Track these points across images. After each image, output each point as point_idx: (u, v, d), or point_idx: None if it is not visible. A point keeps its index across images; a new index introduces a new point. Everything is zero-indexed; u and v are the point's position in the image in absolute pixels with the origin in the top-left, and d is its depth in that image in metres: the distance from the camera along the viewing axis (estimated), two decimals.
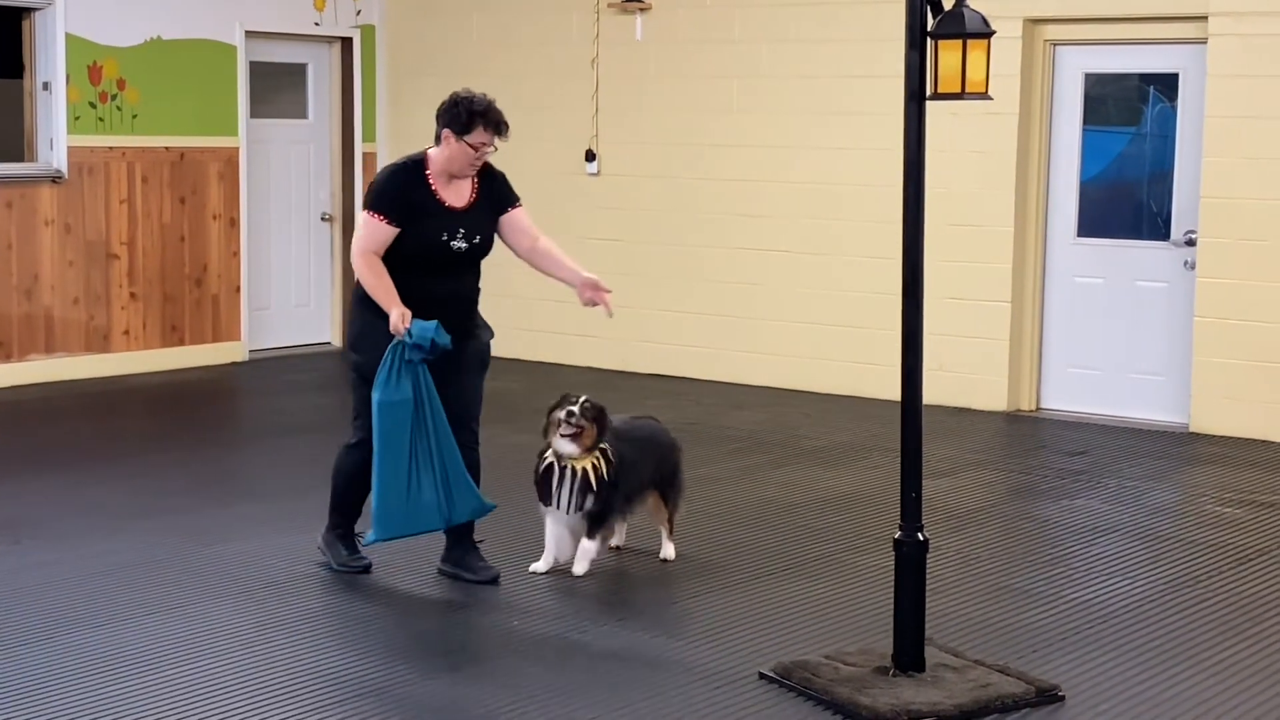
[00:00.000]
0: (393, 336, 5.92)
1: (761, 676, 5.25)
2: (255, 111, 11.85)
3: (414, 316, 5.92)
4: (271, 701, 5.02)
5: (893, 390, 5.32)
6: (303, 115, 12.28)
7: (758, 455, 8.79)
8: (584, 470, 6.21)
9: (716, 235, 11.04)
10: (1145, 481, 8.26)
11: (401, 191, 6.03)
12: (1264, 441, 9.11)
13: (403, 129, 12.21)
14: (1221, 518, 7.49)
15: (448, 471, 6.00)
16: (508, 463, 7.29)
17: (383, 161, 12.37)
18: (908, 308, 5.18)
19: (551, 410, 6.28)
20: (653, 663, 5.41)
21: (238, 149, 11.62)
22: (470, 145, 6.01)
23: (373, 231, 6.03)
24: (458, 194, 6.11)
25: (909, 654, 5.16)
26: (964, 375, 10.06)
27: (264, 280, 12.01)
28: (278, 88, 12.13)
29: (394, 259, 6.04)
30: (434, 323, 5.91)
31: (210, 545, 6.84)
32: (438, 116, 6.08)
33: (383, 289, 5.98)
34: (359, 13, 12.26)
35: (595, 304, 6.30)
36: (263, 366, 11.65)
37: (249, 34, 11.65)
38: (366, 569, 6.36)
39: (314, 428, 9.63)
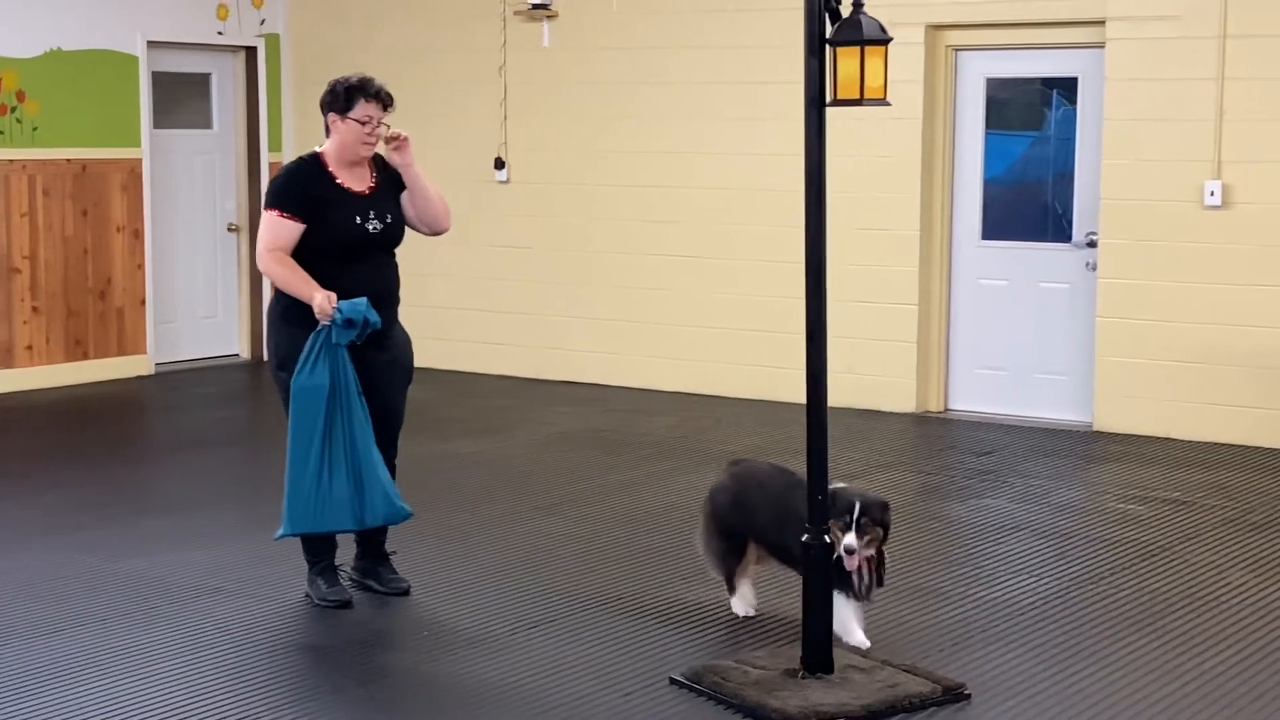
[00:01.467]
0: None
1: (672, 681, 5.28)
2: (158, 122, 11.74)
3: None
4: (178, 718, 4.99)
5: (801, 393, 5.36)
6: (207, 125, 12.18)
7: (667, 461, 8.82)
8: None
9: (625, 241, 11.07)
10: (1050, 480, 8.37)
11: (301, 185, 5.98)
12: (1165, 439, 9.27)
13: (309, 138, 12.09)
14: (1125, 515, 7.61)
15: (362, 469, 5.83)
16: (421, 473, 7.27)
17: None
18: (811, 312, 5.23)
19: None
20: (564, 670, 5.42)
21: (141, 160, 11.51)
22: (357, 121, 5.96)
23: (276, 229, 5.94)
24: (359, 179, 6.05)
25: (817, 656, 5.20)
26: (872, 377, 10.15)
27: (169, 292, 11.90)
28: (181, 98, 12.02)
29: (307, 254, 5.95)
30: (363, 299, 5.80)
31: (119, 561, 6.77)
32: (320, 107, 6.08)
33: (298, 279, 5.87)
34: (263, 22, 12.19)
35: (393, 142, 6.06)
36: (170, 380, 11.54)
37: (151, 44, 11.54)
38: (345, 604, 6.08)
39: (223, 441, 9.56)
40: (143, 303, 11.60)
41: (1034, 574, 6.61)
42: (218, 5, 11.90)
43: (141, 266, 11.57)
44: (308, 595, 6.17)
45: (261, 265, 6.03)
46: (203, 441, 9.50)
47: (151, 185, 11.60)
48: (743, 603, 5.92)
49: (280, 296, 6.06)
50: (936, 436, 9.64)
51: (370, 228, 6.01)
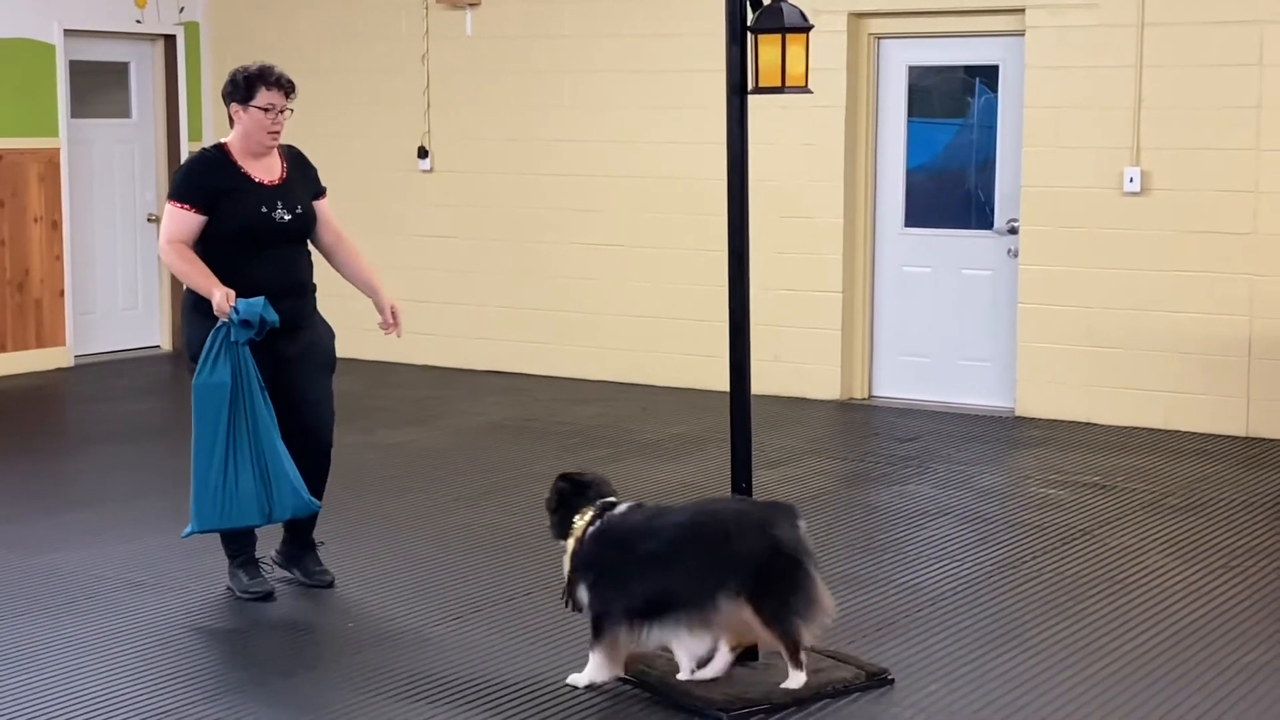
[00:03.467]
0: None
1: None
2: (76, 111, 11.60)
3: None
4: (96, 714, 4.94)
5: (728, 381, 5.38)
6: (126, 114, 12.04)
7: (595, 450, 8.81)
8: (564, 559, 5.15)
9: (551, 231, 11.05)
10: (973, 466, 8.43)
11: (204, 177, 5.91)
12: (1086, 424, 9.36)
13: (229, 127, 12.01)
14: (1046, 499, 7.68)
15: (268, 464, 5.77)
16: (347, 464, 7.23)
17: None
18: (734, 300, 5.25)
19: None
20: (490, 661, 5.41)
21: (59, 150, 11.37)
22: (259, 108, 5.91)
23: (177, 221, 5.87)
24: (267, 170, 5.99)
25: None
26: (798, 365, 10.19)
27: (89, 284, 11.76)
28: (99, 87, 11.88)
29: (214, 245, 5.88)
30: (260, 298, 5.74)
31: (38, 555, 6.69)
32: (222, 98, 6.03)
33: (197, 272, 5.80)
34: (182, 10, 12.06)
35: (389, 332, 6.25)
36: (89, 372, 11.41)
37: (68, 32, 11.39)
38: (267, 596, 6.03)
39: (143, 433, 9.47)
40: (61, 294, 11.46)
41: (957, 559, 6.66)
42: None
43: (60, 257, 11.43)
44: (229, 588, 6.12)
45: (163, 257, 5.97)
46: (122, 434, 9.40)
47: (70, 175, 11.46)
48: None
49: (191, 288, 5.98)
50: (861, 423, 9.68)
51: (278, 217, 5.95)
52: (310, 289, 6.15)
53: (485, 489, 7.91)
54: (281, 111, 5.95)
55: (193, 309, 5.95)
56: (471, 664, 5.38)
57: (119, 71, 11.99)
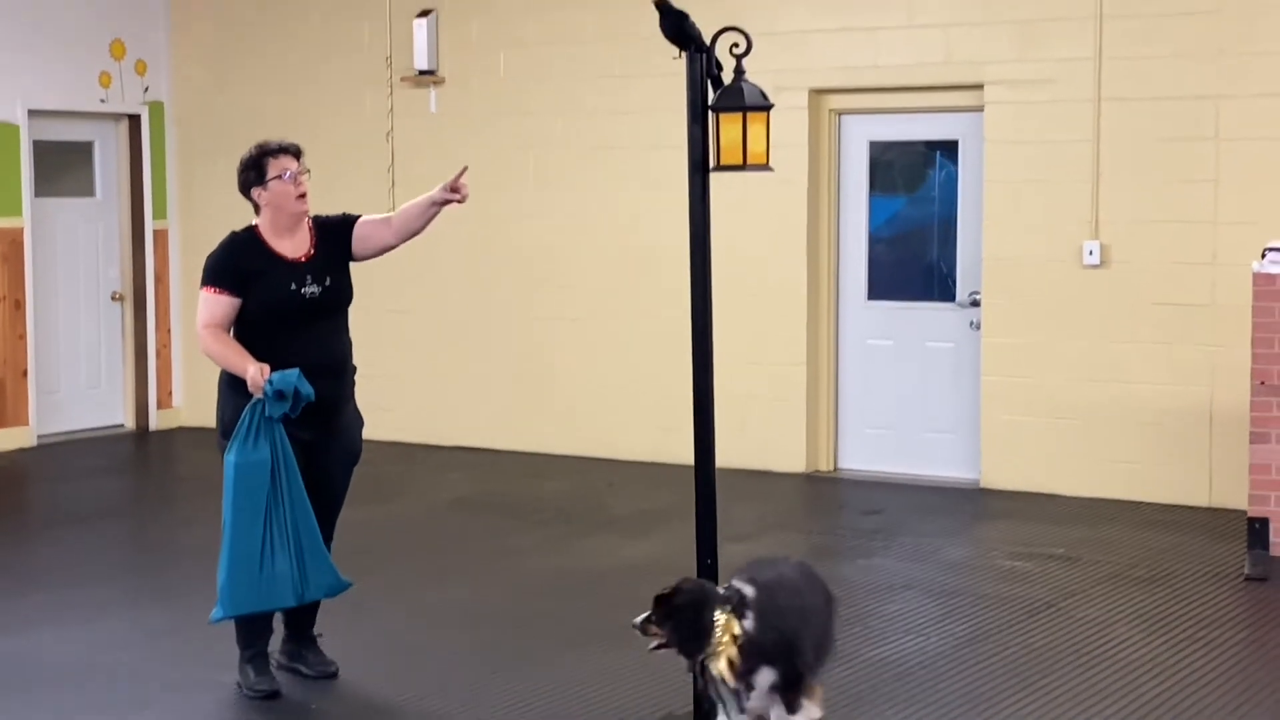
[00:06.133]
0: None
1: None
2: (40, 190, 11.58)
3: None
4: None
5: (692, 454, 5.39)
6: (90, 193, 12.04)
7: (561, 525, 8.80)
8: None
9: (516, 305, 11.07)
10: (939, 538, 8.44)
11: (233, 259, 5.85)
12: (1050, 495, 9.39)
13: (195, 205, 12.04)
14: (1012, 572, 7.69)
15: (303, 543, 5.66)
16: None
17: (175, 239, 12.21)
18: (698, 379, 5.27)
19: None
20: None
21: (22, 229, 11.34)
22: (277, 178, 5.87)
23: (210, 305, 5.82)
24: (296, 246, 5.92)
25: None
26: (763, 438, 10.20)
27: (52, 363, 11.71)
28: (64, 165, 11.88)
29: (248, 327, 5.83)
30: (295, 370, 5.64)
31: (1, 637, 6.64)
32: (240, 190, 5.96)
33: (233, 352, 5.74)
34: (146, 89, 12.09)
35: (460, 192, 6.07)
36: (52, 452, 11.34)
37: (32, 112, 11.40)
38: (273, 695, 5.84)
39: (107, 513, 9.41)
40: (24, 374, 11.41)
41: (923, 633, 6.65)
42: (100, 72, 11.79)
43: (23, 337, 11.38)
44: (237, 684, 5.92)
45: (200, 345, 5.88)
46: (85, 515, 9.33)
47: (33, 254, 11.43)
48: None
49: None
50: (826, 496, 9.69)
51: (307, 293, 5.85)
52: (348, 369, 6.04)
53: (452, 566, 7.88)
54: (299, 173, 5.90)
55: (228, 385, 5.85)
56: None
57: (83, 150, 12.00)
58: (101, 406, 12.10)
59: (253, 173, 5.91)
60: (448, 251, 11.27)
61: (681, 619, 4.93)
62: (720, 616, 4.93)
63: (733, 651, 4.90)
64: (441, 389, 11.35)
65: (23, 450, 11.33)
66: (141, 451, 11.59)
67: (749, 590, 5.01)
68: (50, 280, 11.68)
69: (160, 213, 12.15)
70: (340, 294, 6.01)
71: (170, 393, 12.25)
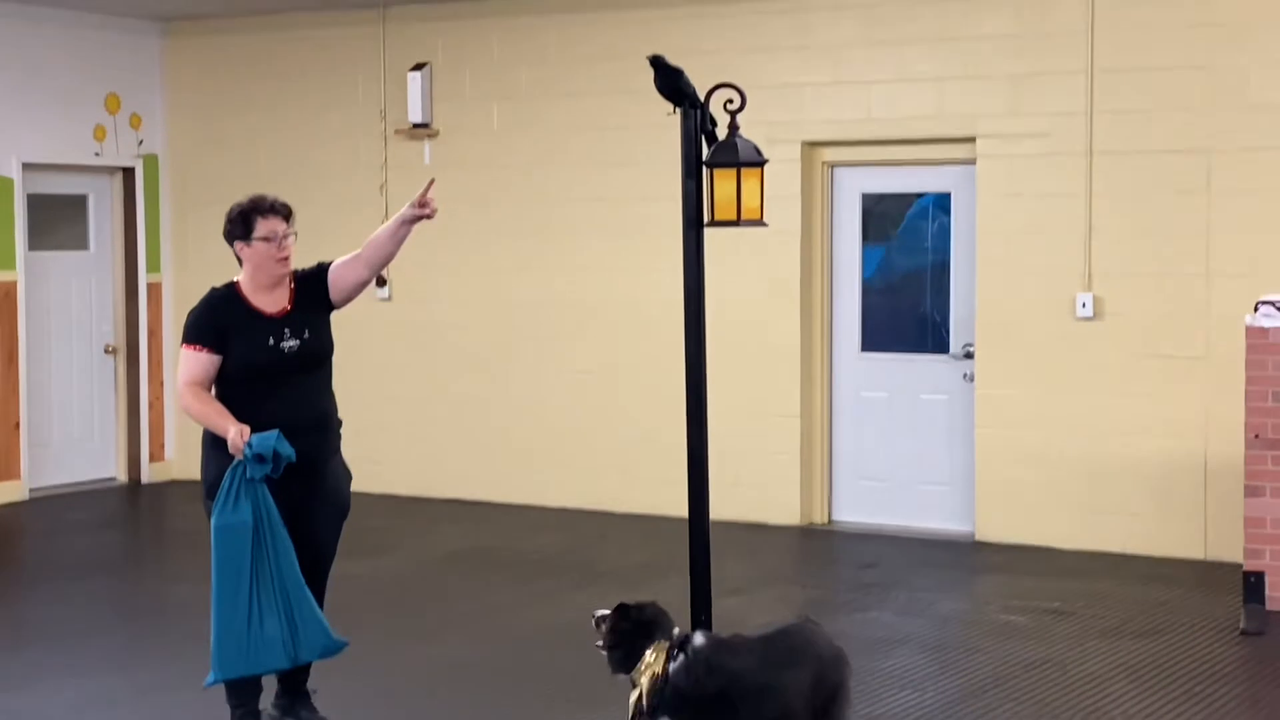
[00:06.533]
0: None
1: None
2: (34, 244, 11.59)
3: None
4: None
5: (687, 508, 5.38)
6: (84, 246, 12.04)
7: (556, 579, 8.76)
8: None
9: (511, 357, 11.07)
10: (934, 592, 8.41)
11: (213, 316, 5.81)
12: (1045, 548, 9.36)
13: (188, 258, 12.05)
14: (1007, 626, 7.66)
15: (292, 603, 5.59)
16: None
17: (168, 292, 12.21)
18: (692, 433, 5.27)
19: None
20: None
21: (15, 282, 11.34)
22: (261, 239, 5.81)
23: (190, 363, 5.76)
24: (274, 301, 5.86)
25: None
26: (757, 490, 10.18)
27: (45, 415, 11.68)
28: (58, 219, 11.88)
29: (228, 385, 5.77)
30: (274, 432, 5.58)
31: None
32: (225, 239, 5.93)
33: (213, 411, 5.68)
34: (141, 142, 12.11)
35: (429, 207, 6.06)
36: (45, 505, 11.29)
37: (26, 166, 11.42)
38: None
39: (100, 567, 9.36)
40: (17, 427, 11.38)
41: (920, 688, 6.62)
42: (95, 126, 11.81)
43: (16, 390, 11.36)
44: None
45: (180, 402, 5.83)
46: (77, 569, 9.28)
47: (26, 307, 11.42)
48: None
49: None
50: (821, 549, 9.67)
51: (285, 347, 5.80)
52: (332, 424, 5.97)
53: (446, 620, 7.85)
54: (285, 237, 5.86)
55: (210, 445, 5.79)
56: None
57: (77, 204, 12.01)
58: (94, 459, 12.06)
59: (240, 226, 5.87)
60: (442, 305, 11.28)
61: (624, 634, 5.02)
62: (653, 651, 4.95)
63: (646, 686, 4.93)
64: (432, 442, 11.32)
65: (14, 504, 11.29)
66: (134, 505, 11.55)
67: (698, 640, 5.02)
68: (43, 333, 11.67)
69: (154, 266, 12.16)
70: (320, 347, 5.95)
71: (162, 446, 12.22)
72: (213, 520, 5.58)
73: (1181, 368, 9.08)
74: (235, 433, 5.58)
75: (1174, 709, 6.29)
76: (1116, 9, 9.19)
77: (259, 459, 5.53)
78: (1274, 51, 8.86)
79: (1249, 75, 8.92)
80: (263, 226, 5.83)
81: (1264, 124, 8.88)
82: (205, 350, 5.77)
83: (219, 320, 5.81)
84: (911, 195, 10.25)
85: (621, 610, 5.09)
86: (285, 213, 5.91)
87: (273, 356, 5.79)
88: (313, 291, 5.98)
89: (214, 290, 5.95)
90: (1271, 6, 8.87)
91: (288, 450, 5.58)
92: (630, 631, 5.03)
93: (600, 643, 5.09)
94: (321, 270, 6.06)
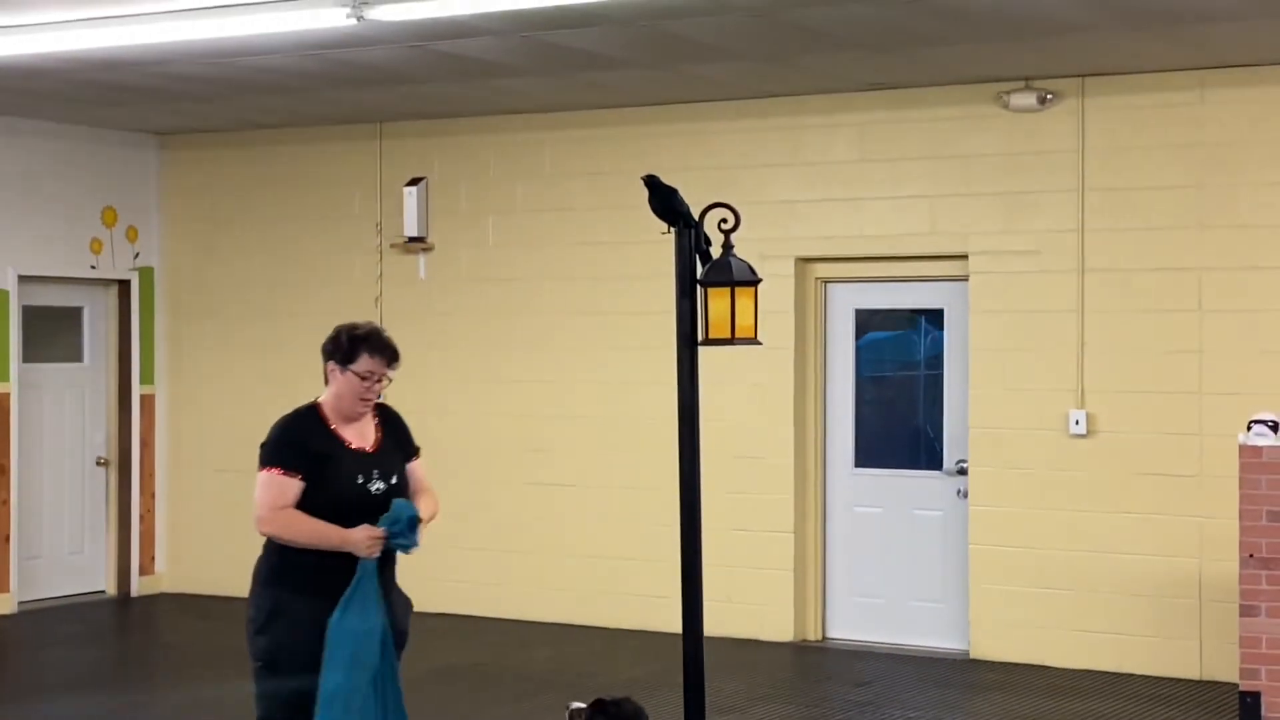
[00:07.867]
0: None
1: None
2: (28, 355, 11.59)
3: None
4: None
5: (680, 624, 5.34)
6: (78, 358, 12.04)
7: (546, 696, 8.68)
8: None
9: (501, 470, 11.04)
10: (929, 710, 8.34)
11: (300, 439, 5.42)
12: (1040, 666, 9.30)
13: (182, 370, 12.04)
14: None
15: (388, 705, 5.49)
16: None
17: (161, 403, 12.19)
18: (686, 546, 5.24)
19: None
20: None
21: (8, 394, 11.33)
22: (358, 375, 5.48)
23: (278, 488, 5.35)
24: (361, 435, 5.54)
25: None
26: (750, 606, 10.12)
27: (35, 528, 11.61)
28: (52, 331, 11.89)
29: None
30: (402, 500, 5.45)
31: None
32: (321, 353, 5.59)
33: (323, 526, 5.33)
34: (137, 255, 12.16)
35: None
36: (34, 618, 11.20)
37: (22, 278, 11.45)
38: None
39: (88, 682, 9.27)
40: (6, 539, 11.31)
41: None
42: (91, 239, 11.86)
43: (6, 502, 11.31)
44: None
45: (268, 529, 5.41)
46: (65, 684, 9.18)
47: (19, 419, 11.41)
48: None
49: (271, 555, 5.48)
50: (815, 666, 9.59)
51: (373, 489, 5.49)
52: (393, 557, 5.73)
53: None
54: (379, 380, 5.54)
55: (271, 580, 5.46)
56: None
57: (72, 316, 12.03)
58: (83, 572, 11.98)
59: (344, 350, 5.53)
60: (433, 416, 11.27)
61: None
62: None
63: None
64: (423, 555, 11.21)
65: (3, 616, 11.20)
66: (123, 618, 11.46)
67: None
68: (35, 445, 11.64)
69: (147, 378, 12.15)
70: (402, 491, 5.61)
71: (153, 558, 12.15)
72: (339, 625, 5.35)
73: (1175, 486, 9.07)
74: (364, 534, 5.38)
75: None
76: (1107, 129, 9.29)
77: (403, 535, 5.47)
78: (1264, 172, 8.94)
79: (1239, 195, 9.00)
80: (365, 362, 5.51)
81: (1253, 244, 8.95)
82: (292, 475, 5.39)
83: (305, 443, 5.45)
84: (904, 311, 10.29)
85: (599, 706, 5.03)
86: (392, 357, 5.59)
87: (359, 496, 5.47)
88: (398, 436, 5.73)
89: (299, 411, 5.59)
90: (1261, 127, 8.97)
91: (412, 509, 5.50)
92: None
93: None
94: (412, 445, 5.84)
